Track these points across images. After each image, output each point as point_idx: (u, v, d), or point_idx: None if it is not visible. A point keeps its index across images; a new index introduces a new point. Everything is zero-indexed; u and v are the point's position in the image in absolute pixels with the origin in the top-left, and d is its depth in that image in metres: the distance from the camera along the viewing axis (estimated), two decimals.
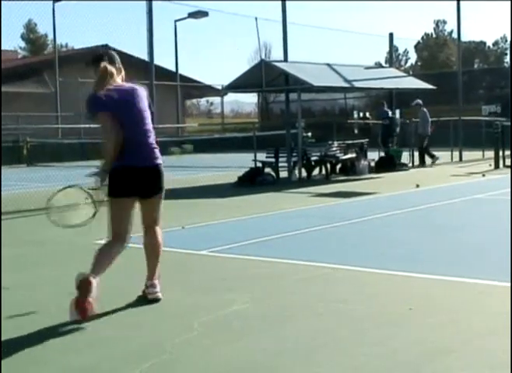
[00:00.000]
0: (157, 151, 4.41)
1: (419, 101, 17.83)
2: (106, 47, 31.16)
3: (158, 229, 4.54)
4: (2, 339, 3.70)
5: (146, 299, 4.40)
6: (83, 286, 4.00)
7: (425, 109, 17.40)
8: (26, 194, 11.44)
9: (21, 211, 9.66)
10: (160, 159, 4.42)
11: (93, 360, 3.39)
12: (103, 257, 4.26)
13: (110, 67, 4.29)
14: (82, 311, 3.94)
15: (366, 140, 16.19)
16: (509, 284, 4.49)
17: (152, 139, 4.40)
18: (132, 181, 4.30)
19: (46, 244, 7.01)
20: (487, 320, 3.87)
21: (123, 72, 4.46)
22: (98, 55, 4.43)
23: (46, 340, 3.71)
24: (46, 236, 7.57)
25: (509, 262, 5.17)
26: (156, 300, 4.38)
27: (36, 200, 10.56)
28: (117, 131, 4.21)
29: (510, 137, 17.21)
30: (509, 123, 17.97)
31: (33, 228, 8.44)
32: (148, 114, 4.40)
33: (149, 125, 4.40)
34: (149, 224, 4.51)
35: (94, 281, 4.03)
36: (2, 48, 27.72)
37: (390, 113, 17.01)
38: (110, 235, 4.38)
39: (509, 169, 15.21)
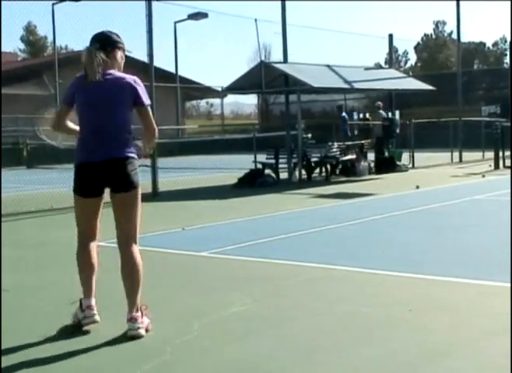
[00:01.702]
0: (118, 143, 3.92)
1: (379, 103, 17.47)
2: None
3: (134, 248, 3.93)
4: (3, 341, 3.70)
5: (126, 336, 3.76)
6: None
7: (381, 112, 17.10)
8: (27, 196, 11.46)
9: (21, 213, 9.66)
10: (123, 151, 3.92)
11: (94, 362, 3.39)
12: (84, 271, 4.17)
13: (98, 54, 3.88)
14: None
15: (367, 141, 16.19)
16: (509, 285, 4.49)
17: (119, 132, 3.94)
18: (84, 178, 4.04)
19: (46, 246, 7.01)
20: (488, 321, 3.87)
21: (118, 61, 4.03)
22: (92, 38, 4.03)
23: (46, 342, 3.71)
24: (47, 238, 7.58)
25: (509, 262, 5.17)
26: (136, 337, 3.69)
27: (36, 202, 10.58)
28: (56, 120, 4.09)
29: (509, 137, 17.22)
30: (509, 124, 17.99)
31: (33, 229, 8.45)
32: (113, 107, 3.93)
33: (115, 119, 3.94)
34: (121, 236, 4.01)
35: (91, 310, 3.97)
36: (2, 50, 27.78)
37: (389, 114, 17.00)
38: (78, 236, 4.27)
39: (509, 170, 15.22)
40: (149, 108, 3.99)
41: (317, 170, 15.31)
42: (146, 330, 3.79)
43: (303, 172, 14.65)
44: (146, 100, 3.97)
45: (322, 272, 5.28)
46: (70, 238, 7.36)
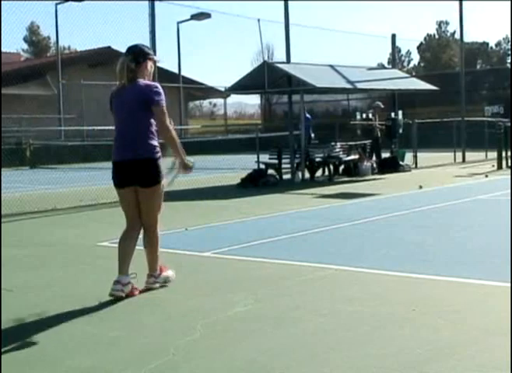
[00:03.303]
0: (141, 145, 4.53)
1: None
2: (109, 48, 31.30)
3: (149, 231, 4.76)
4: (6, 340, 3.71)
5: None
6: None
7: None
8: (30, 196, 11.48)
9: (25, 213, 9.68)
10: (144, 153, 4.54)
11: (97, 362, 3.39)
12: (123, 249, 4.67)
13: (129, 64, 4.57)
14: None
15: (369, 141, 16.18)
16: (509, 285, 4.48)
17: (138, 134, 4.55)
18: (117, 174, 4.67)
19: (50, 246, 7.02)
20: (491, 321, 3.87)
21: (147, 69, 4.67)
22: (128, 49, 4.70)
23: (50, 341, 3.72)
24: (50, 238, 7.59)
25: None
26: (151, 289, 4.74)
27: (39, 202, 10.60)
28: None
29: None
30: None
31: (37, 229, 8.46)
32: (133, 111, 4.56)
33: (134, 122, 4.56)
34: (143, 223, 4.75)
35: (121, 292, 4.52)
36: (6, 51, 27.83)
37: (392, 114, 16.98)
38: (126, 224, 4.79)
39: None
40: (160, 109, 4.52)
41: (320, 170, 15.30)
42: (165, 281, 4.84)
43: (306, 172, 14.66)
44: (157, 101, 4.51)
45: (325, 272, 5.28)
46: (73, 238, 7.40)
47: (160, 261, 4.87)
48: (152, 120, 4.56)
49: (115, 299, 4.47)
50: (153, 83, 4.62)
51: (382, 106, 16.82)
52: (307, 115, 16.83)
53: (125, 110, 4.58)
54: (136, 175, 4.56)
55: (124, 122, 4.60)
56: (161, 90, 4.59)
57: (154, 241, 4.78)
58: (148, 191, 4.59)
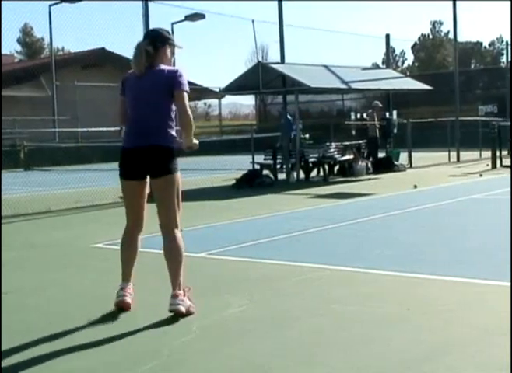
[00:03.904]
0: (160, 132, 4.17)
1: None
2: (102, 50, 31.24)
3: (175, 232, 4.21)
4: (4, 342, 3.69)
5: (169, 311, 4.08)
6: (123, 307, 4.24)
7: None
8: (24, 198, 11.44)
9: (19, 215, 9.64)
10: (162, 140, 4.16)
11: (92, 364, 3.38)
12: (126, 255, 4.36)
13: (147, 49, 4.20)
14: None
15: (364, 141, 16.19)
16: (509, 284, 4.48)
17: (157, 121, 4.18)
18: (126, 162, 4.24)
19: (45, 247, 7.00)
20: (486, 320, 3.86)
21: (167, 56, 4.31)
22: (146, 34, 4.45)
23: (47, 344, 3.70)
24: (44, 240, 7.56)
25: (509, 261, 5.16)
26: (176, 312, 4.02)
27: (34, 204, 10.56)
28: (121, 114, 4.36)
29: (506, 136, 17.25)
30: (506, 123, 18.01)
31: (31, 231, 8.43)
32: (153, 97, 4.18)
33: (154, 108, 4.19)
34: (161, 226, 4.26)
35: (128, 298, 4.24)
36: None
37: (387, 114, 17.00)
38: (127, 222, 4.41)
39: (506, 169, 15.24)
40: (184, 94, 4.20)
41: (315, 170, 15.31)
42: (187, 312, 4.06)
43: (301, 172, 14.66)
44: (182, 85, 4.18)
45: (321, 272, 5.27)
46: (68, 239, 7.38)
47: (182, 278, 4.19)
48: (173, 107, 4.24)
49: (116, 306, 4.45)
50: (175, 68, 4.29)
51: (380, 105, 16.86)
52: (288, 116, 16.84)
53: (144, 96, 4.19)
54: (148, 163, 4.13)
55: (143, 108, 4.19)
56: (184, 75, 4.23)
57: (177, 248, 4.16)
58: (160, 182, 4.15)
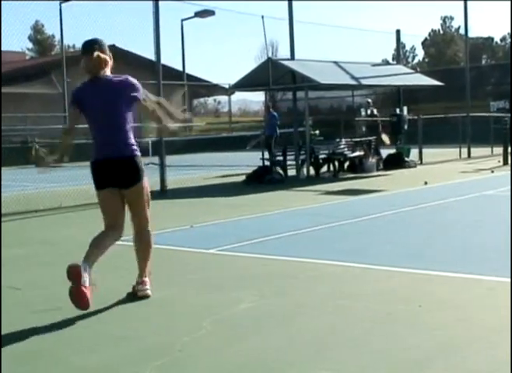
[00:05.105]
0: (123, 144, 4.35)
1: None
2: (113, 46, 31.29)
3: (148, 228, 4.54)
4: (13, 338, 3.72)
5: (136, 296, 4.46)
6: (72, 274, 4.05)
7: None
8: (36, 194, 11.50)
9: (31, 211, 9.70)
10: (127, 151, 4.36)
11: (104, 360, 3.40)
12: (96, 246, 4.36)
13: (104, 56, 4.36)
14: (79, 300, 3.98)
15: (374, 137, 16.15)
16: None
17: (119, 133, 4.35)
18: (99, 174, 4.40)
19: (56, 244, 7.04)
20: (497, 317, 3.86)
21: (111, 62, 4.46)
22: (90, 43, 4.44)
23: (56, 340, 3.73)
24: (56, 236, 7.61)
25: None
26: (146, 297, 4.44)
27: (45, 201, 10.62)
28: (70, 125, 4.69)
29: None
30: None
31: (43, 227, 8.48)
32: (115, 108, 4.34)
33: (116, 120, 4.35)
34: (134, 224, 4.53)
35: (82, 268, 4.07)
36: (10, 50, 27.85)
37: (397, 110, 16.96)
38: (104, 226, 4.50)
39: None
40: (143, 102, 4.39)
41: (325, 167, 15.29)
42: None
43: (311, 168, 14.64)
44: (139, 96, 4.36)
45: (331, 268, 5.27)
46: (80, 235, 7.41)
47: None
48: (131, 116, 4.42)
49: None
50: (125, 76, 4.42)
51: (369, 101, 17.13)
52: (273, 113, 16.89)
53: (103, 108, 4.34)
54: (119, 175, 4.33)
55: (104, 120, 4.37)
56: (136, 81, 4.43)
57: (149, 242, 4.54)
58: (132, 191, 4.38)
